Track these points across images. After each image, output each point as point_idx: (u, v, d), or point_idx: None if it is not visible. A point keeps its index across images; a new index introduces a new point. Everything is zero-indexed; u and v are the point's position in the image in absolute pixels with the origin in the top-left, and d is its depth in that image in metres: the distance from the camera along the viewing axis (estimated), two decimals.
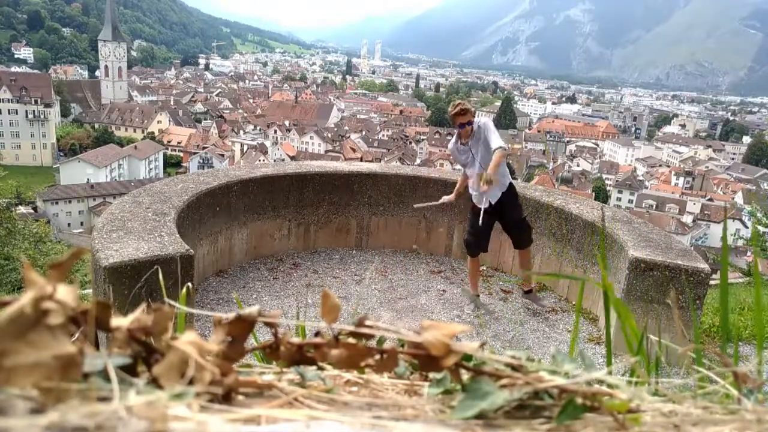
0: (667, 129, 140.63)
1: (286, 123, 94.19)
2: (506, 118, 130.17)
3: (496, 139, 4.48)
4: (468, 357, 0.53)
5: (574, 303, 5.33)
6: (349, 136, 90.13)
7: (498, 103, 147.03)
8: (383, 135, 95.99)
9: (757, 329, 0.71)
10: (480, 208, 4.66)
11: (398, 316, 4.87)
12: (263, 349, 0.57)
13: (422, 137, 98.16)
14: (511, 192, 4.76)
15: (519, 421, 0.48)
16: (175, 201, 4.61)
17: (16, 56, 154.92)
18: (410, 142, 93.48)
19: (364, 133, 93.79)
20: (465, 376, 0.53)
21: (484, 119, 4.69)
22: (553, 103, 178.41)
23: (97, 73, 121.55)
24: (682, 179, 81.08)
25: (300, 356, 0.56)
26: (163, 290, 2.74)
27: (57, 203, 57.55)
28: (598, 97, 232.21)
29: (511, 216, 4.80)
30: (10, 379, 0.40)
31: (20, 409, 0.39)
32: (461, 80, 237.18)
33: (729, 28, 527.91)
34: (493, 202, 4.68)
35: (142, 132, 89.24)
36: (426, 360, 0.53)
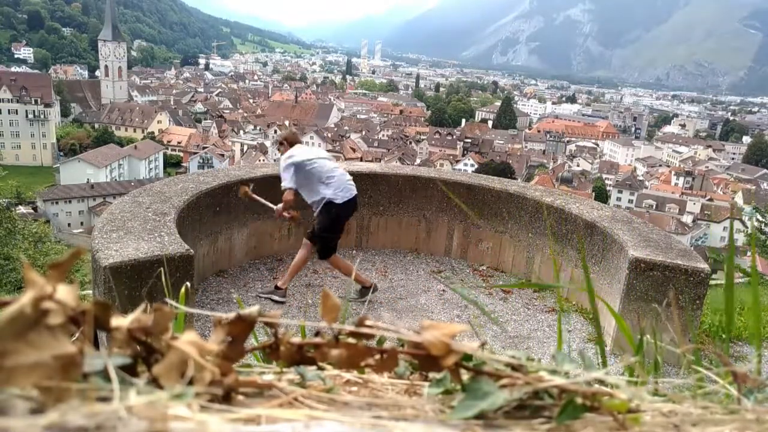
0: (667, 129, 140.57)
1: (286, 123, 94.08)
2: (506, 118, 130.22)
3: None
4: (468, 357, 0.53)
5: (574, 303, 5.34)
6: (349, 136, 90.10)
7: (498, 103, 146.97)
8: (383, 135, 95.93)
9: (755, 329, 0.71)
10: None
11: (398, 316, 4.88)
12: (263, 349, 0.57)
13: (422, 137, 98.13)
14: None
15: (519, 421, 0.48)
16: (175, 201, 4.61)
17: (16, 56, 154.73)
18: (410, 142, 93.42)
19: (364, 133, 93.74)
20: (465, 376, 0.53)
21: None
22: (553, 103, 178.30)
23: (97, 73, 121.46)
24: (682, 179, 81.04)
25: (300, 356, 0.56)
26: (166, 290, 2.74)
27: (57, 203, 57.54)
28: (598, 97, 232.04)
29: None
30: (10, 379, 0.40)
31: (20, 409, 0.39)
32: (461, 80, 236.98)
33: (729, 28, 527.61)
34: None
35: (142, 132, 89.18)
36: (426, 360, 0.53)
